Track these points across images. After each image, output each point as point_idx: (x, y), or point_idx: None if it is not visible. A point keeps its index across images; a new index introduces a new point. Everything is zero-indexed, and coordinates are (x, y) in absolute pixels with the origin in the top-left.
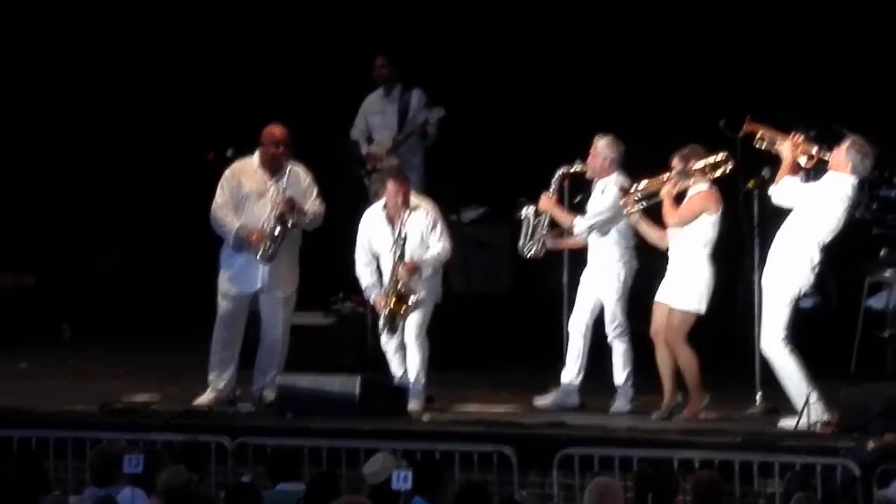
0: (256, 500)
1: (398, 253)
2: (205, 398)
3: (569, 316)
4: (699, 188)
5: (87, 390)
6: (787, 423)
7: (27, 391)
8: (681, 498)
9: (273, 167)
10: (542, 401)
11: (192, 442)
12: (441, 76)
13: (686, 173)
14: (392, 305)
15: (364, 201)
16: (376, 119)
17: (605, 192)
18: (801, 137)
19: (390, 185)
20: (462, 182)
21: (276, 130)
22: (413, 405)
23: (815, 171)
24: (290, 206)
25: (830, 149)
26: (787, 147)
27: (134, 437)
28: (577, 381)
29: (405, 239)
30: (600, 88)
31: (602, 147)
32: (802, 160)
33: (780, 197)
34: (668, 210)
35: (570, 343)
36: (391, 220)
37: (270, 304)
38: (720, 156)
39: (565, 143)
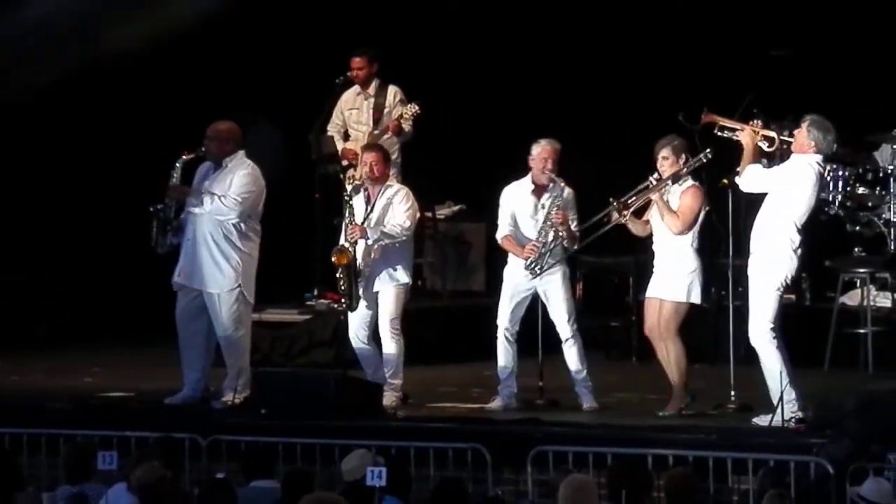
0: (231, 497)
1: (353, 211)
2: (176, 397)
3: (544, 315)
4: (686, 184)
5: (60, 387)
6: (761, 420)
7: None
8: (655, 495)
9: (210, 160)
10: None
11: (166, 438)
12: (417, 73)
13: (679, 176)
14: (336, 259)
15: (339, 198)
16: (352, 115)
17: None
18: (760, 124)
19: (362, 155)
20: (437, 179)
21: (210, 126)
22: (388, 399)
23: (781, 154)
24: (177, 195)
25: (790, 132)
26: (747, 135)
27: (108, 434)
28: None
29: (369, 213)
30: (574, 85)
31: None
32: (764, 145)
33: (748, 185)
34: (670, 217)
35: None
36: (367, 194)
37: (209, 302)
38: (707, 152)
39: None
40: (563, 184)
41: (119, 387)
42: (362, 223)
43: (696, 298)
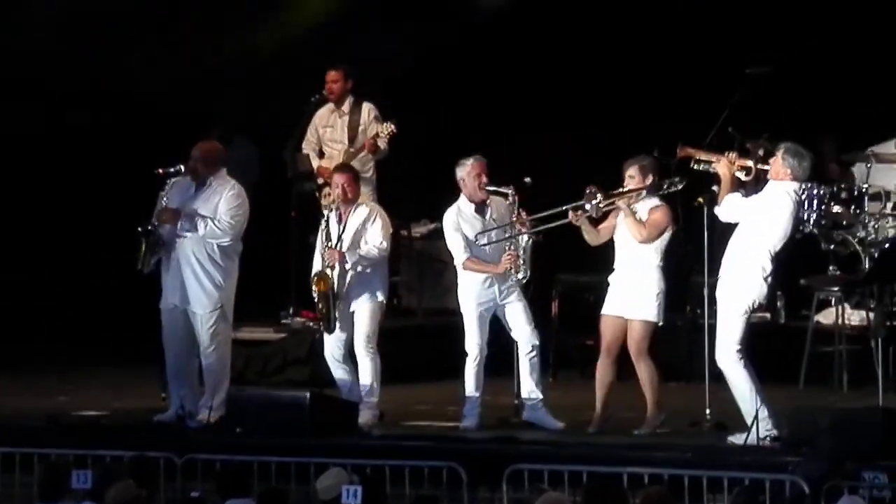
0: None
1: (329, 236)
2: (165, 415)
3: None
4: (653, 203)
5: (34, 405)
6: (736, 439)
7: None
8: None
9: (195, 179)
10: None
11: (140, 457)
12: (392, 90)
13: (658, 187)
14: (316, 285)
15: (315, 216)
16: (327, 133)
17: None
18: (735, 154)
19: (333, 178)
20: (413, 197)
21: (197, 146)
22: (364, 417)
23: (757, 182)
24: (168, 218)
25: (766, 160)
26: (724, 165)
27: (83, 453)
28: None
29: (341, 234)
30: (548, 104)
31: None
32: (741, 175)
33: (727, 215)
34: (634, 225)
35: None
36: (339, 214)
37: (193, 321)
38: (678, 180)
39: (516, 158)
40: (505, 189)
41: (93, 405)
42: (336, 244)
43: (662, 319)
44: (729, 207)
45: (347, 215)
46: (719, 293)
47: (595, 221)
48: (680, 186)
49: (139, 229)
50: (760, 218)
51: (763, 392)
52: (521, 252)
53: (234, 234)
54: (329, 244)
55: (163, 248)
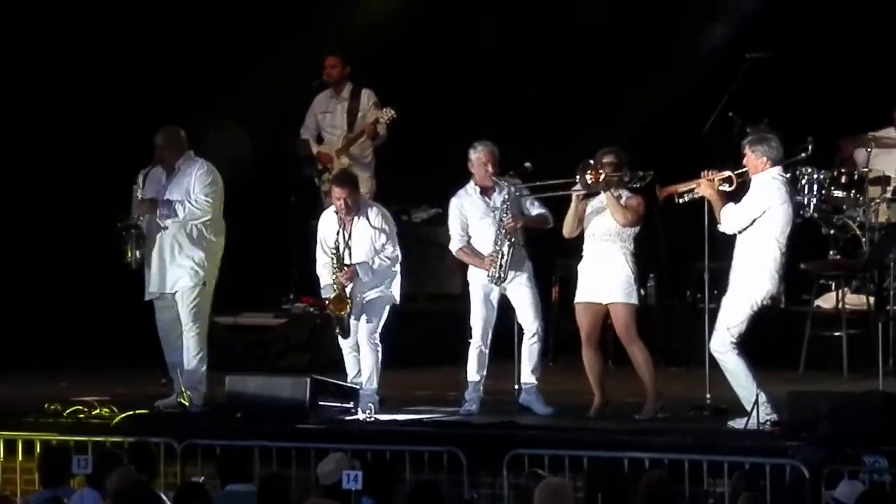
0: (206, 501)
1: (340, 256)
2: (167, 400)
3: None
4: (628, 193)
5: (33, 391)
6: (736, 423)
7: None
8: (631, 498)
9: (164, 166)
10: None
11: (140, 443)
12: (391, 76)
13: (643, 178)
14: (333, 309)
15: (315, 201)
16: (326, 118)
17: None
18: (711, 172)
19: (333, 190)
20: (413, 183)
21: (159, 133)
22: (363, 408)
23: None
24: (146, 208)
25: (740, 162)
26: (705, 187)
27: (83, 439)
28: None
29: (348, 242)
30: (549, 91)
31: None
32: (725, 188)
33: (730, 227)
34: (619, 210)
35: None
36: (342, 222)
37: (177, 301)
38: (646, 174)
39: (515, 143)
40: (506, 182)
41: (94, 391)
42: (343, 251)
43: (638, 301)
44: (729, 220)
45: (351, 224)
46: (732, 281)
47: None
48: (648, 179)
49: (118, 225)
50: (759, 213)
51: (759, 377)
52: (501, 256)
53: (212, 211)
54: (341, 265)
55: (146, 240)
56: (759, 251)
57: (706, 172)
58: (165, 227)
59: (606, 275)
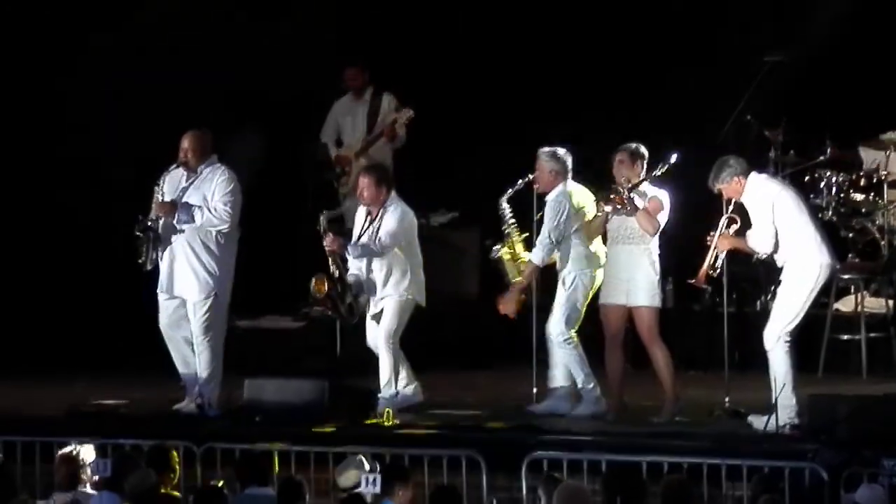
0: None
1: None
2: (182, 404)
3: (542, 321)
4: (652, 192)
5: (53, 394)
6: (756, 420)
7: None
8: (650, 502)
9: (185, 170)
10: (535, 407)
11: (160, 446)
12: (411, 79)
13: (663, 171)
14: (316, 287)
15: (334, 204)
16: (347, 122)
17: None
18: (722, 224)
19: (360, 176)
20: (431, 186)
21: (185, 136)
22: (381, 410)
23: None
24: (165, 211)
25: (723, 198)
26: (726, 243)
27: (102, 442)
28: (566, 384)
29: (364, 232)
30: (567, 94)
31: (545, 161)
32: (734, 228)
33: (762, 248)
34: (648, 221)
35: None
36: (369, 214)
37: (188, 308)
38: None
39: (533, 148)
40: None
41: (112, 394)
42: (359, 238)
43: (661, 303)
44: (758, 245)
45: (376, 217)
46: (784, 279)
47: None
48: (665, 169)
49: (137, 226)
50: (772, 217)
51: (796, 382)
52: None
53: (231, 221)
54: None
55: (161, 242)
56: (794, 248)
57: (713, 234)
58: (182, 231)
59: (630, 278)
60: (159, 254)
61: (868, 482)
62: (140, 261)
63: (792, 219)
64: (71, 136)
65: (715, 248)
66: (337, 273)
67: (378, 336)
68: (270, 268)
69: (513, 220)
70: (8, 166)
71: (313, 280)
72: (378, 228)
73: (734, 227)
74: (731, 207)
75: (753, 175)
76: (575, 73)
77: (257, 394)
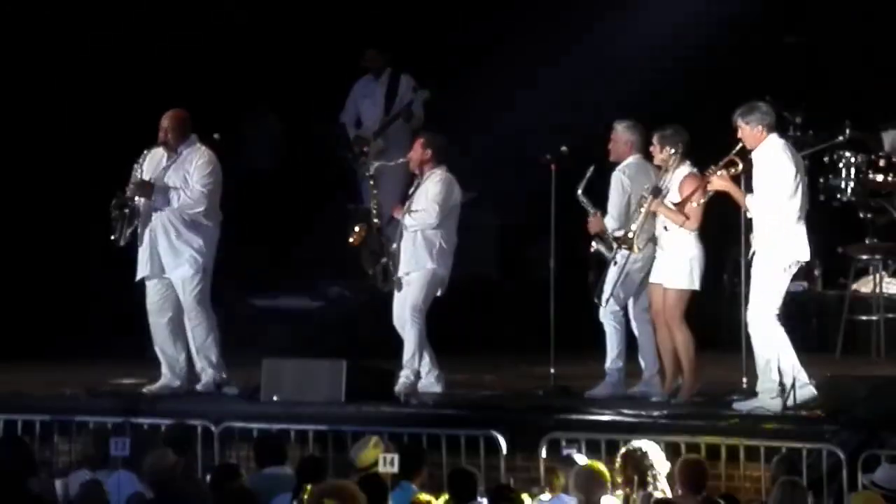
0: (242, 483)
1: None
2: (154, 386)
3: (556, 300)
4: (683, 171)
5: (73, 374)
6: (742, 405)
7: (14, 375)
8: (667, 482)
9: (167, 150)
10: (595, 391)
11: (178, 425)
12: (430, 59)
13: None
14: (355, 238)
15: (352, 185)
16: (366, 103)
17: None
18: (716, 167)
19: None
20: (449, 166)
21: (165, 116)
22: (401, 385)
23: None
24: (143, 191)
25: (736, 144)
26: (718, 181)
27: (121, 421)
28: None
29: (413, 190)
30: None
31: (621, 132)
32: (731, 171)
33: (758, 210)
34: (674, 216)
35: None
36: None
37: (175, 288)
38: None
39: (554, 127)
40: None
41: (131, 374)
42: (404, 206)
43: (697, 284)
44: (754, 205)
45: (421, 178)
46: (756, 258)
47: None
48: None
49: (113, 201)
50: (796, 183)
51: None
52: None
53: (207, 202)
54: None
55: (138, 219)
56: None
57: (710, 169)
58: (161, 209)
59: (666, 257)
60: (137, 231)
61: (887, 463)
62: (113, 237)
63: (784, 194)
64: (69, 126)
65: (707, 180)
66: (377, 230)
67: (404, 308)
68: (287, 248)
69: (593, 210)
70: (9, 165)
71: (357, 226)
72: (418, 195)
73: (733, 169)
74: (738, 150)
75: (775, 136)
76: (587, 51)
77: (275, 373)
